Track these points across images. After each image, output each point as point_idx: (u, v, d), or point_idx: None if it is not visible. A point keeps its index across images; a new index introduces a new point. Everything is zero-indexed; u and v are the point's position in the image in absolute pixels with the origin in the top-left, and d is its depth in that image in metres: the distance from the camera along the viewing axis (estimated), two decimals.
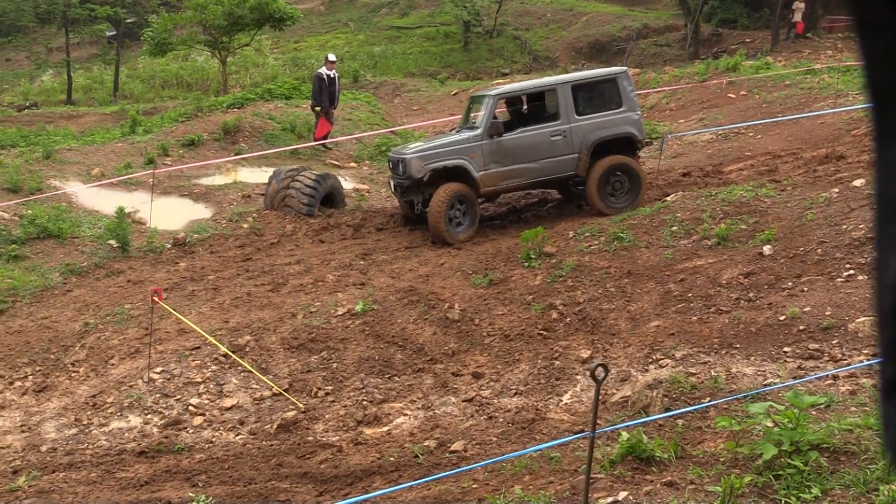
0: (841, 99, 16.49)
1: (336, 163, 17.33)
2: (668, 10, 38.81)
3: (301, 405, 7.35)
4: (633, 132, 11.80)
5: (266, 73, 33.02)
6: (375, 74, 33.12)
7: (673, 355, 7.02)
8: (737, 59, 24.00)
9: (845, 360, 6.23)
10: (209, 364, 8.02)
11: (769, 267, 8.32)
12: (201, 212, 13.78)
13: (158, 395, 7.54)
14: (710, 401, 5.81)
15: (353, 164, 17.56)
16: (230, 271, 10.89)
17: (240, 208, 13.74)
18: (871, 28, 0.78)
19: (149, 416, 7.27)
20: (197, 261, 11.55)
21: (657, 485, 4.64)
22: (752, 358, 6.62)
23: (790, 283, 7.86)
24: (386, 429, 6.88)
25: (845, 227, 8.53)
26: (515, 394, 7.16)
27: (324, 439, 6.79)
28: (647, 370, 6.85)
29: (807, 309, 7.12)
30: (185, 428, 7.12)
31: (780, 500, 4.24)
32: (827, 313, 6.95)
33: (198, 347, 8.27)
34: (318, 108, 17.53)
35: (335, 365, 8.02)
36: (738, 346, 6.92)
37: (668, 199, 11.10)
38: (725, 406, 5.63)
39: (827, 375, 5.88)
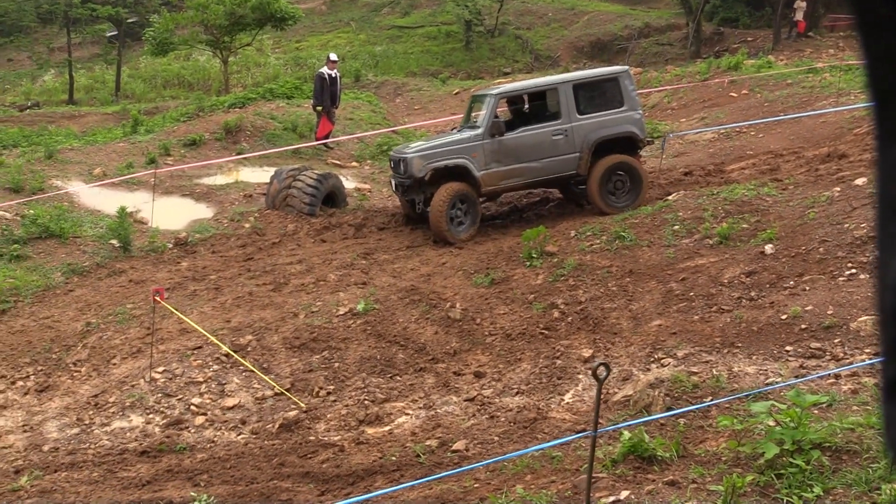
0: (843, 98, 16.47)
1: (337, 162, 17.33)
2: (670, 9, 38.81)
3: (303, 405, 7.36)
4: (635, 131, 11.79)
5: (267, 72, 33.03)
6: (377, 74, 33.13)
7: (675, 354, 7.02)
8: (738, 58, 24.00)
9: (847, 358, 6.22)
10: (211, 364, 8.02)
11: (771, 266, 8.31)
12: (203, 211, 13.78)
13: (160, 395, 7.55)
14: (711, 400, 5.81)
15: (354, 164, 17.56)
16: (232, 271, 10.89)
17: (241, 208, 13.74)
18: (871, 28, 0.78)
19: (151, 416, 7.28)
20: (198, 260, 11.55)
21: (659, 484, 4.63)
22: (754, 357, 6.62)
23: (792, 282, 7.85)
24: (388, 428, 6.88)
25: (847, 225, 8.52)
26: (517, 393, 7.16)
27: (325, 439, 6.79)
28: (648, 369, 6.84)
29: (809, 308, 7.11)
30: (187, 427, 7.13)
31: (782, 499, 4.23)
32: (829, 312, 6.94)
33: (199, 347, 8.28)
34: (319, 108, 17.53)
35: (337, 364, 8.02)
36: (739, 345, 6.91)
37: (670, 198, 11.09)
38: (727, 405, 5.62)
39: (829, 374, 5.87)
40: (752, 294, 7.89)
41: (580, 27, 37.92)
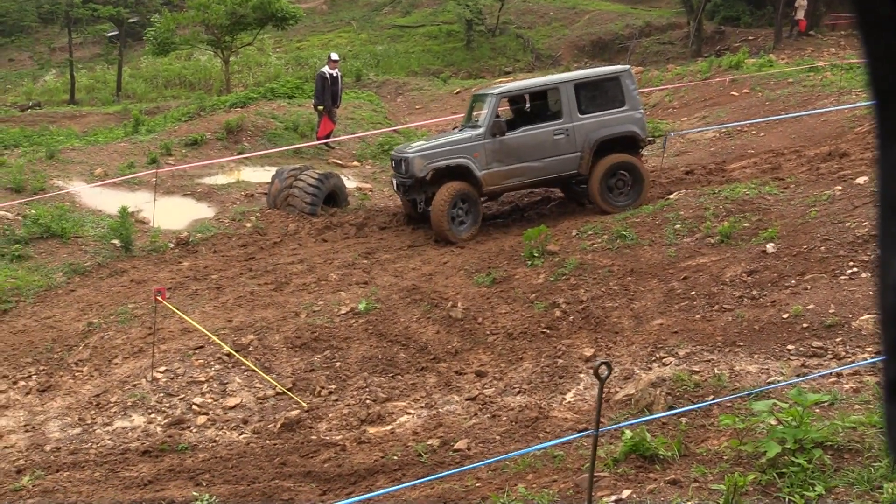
0: (844, 96, 16.47)
1: (339, 162, 17.34)
2: (671, 8, 38.79)
3: (304, 404, 7.36)
4: (636, 131, 11.79)
5: (269, 72, 33.04)
6: (378, 73, 33.14)
7: (676, 353, 7.02)
8: (740, 57, 23.99)
9: (849, 357, 6.22)
10: (212, 363, 8.03)
11: (772, 265, 8.31)
12: (204, 211, 13.79)
13: (162, 395, 7.55)
14: (713, 399, 5.81)
15: (355, 163, 17.56)
16: (233, 270, 10.90)
17: (243, 207, 13.75)
18: (872, 27, 0.78)
19: (152, 416, 7.28)
20: (200, 260, 11.56)
21: (661, 483, 4.63)
22: (756, 356, 6.62)
23: (793, 281, 7.85)
24: (389, 427, 6.88)
25: (849, 224, 8.52)
26: (519, 392, 7.16)
27: (327, 438, 6.79)
28: (650, 368, 6.84)
29: (810, 307, 7.11)
30: (189, 427, 7.13)
31: (784, 498, 4.23)
32: (830, 311, 6.94)
33: (201, 347, 8.28)
34: (320, 108, 17.53)
35: (338, 364, 8.03)
36: (741, 344, 6.91)
37: (671, 197, 11.09)
38: (729, 404, 5.62)
39: (831, 373, 5.87)
40: (754, 293, 7.88)
41: (581, 26, 37.91)
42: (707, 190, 11.01)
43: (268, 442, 6.83)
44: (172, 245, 12.10)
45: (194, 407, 7.39)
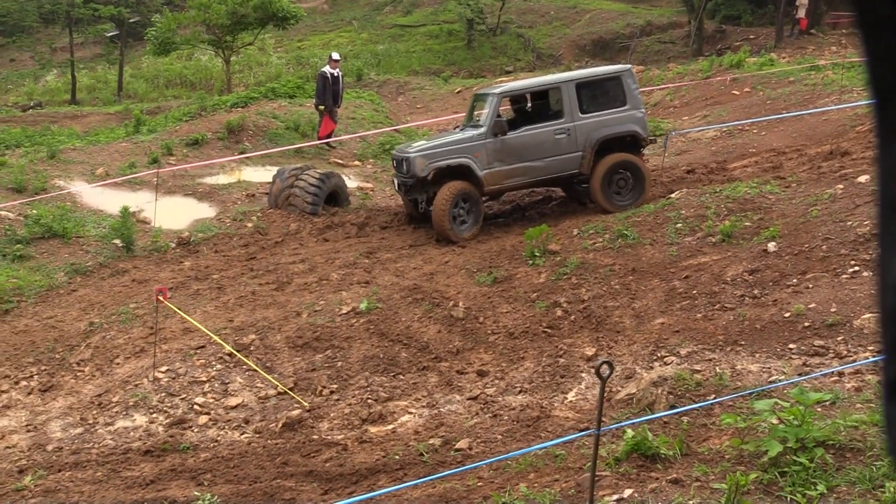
0: (845, 95, 16.45)
1: (340, 161, 17.34)
2: (672, 7, 38.76)
3: (306, 404, 7.36)
4: (638, 130, 11.79)
5: (269, 71, 33.04)
6: (379, 73, 33.13)
7: (678, 352, 7.02)
8: (741, 56, 23.97)
9: (850, 356, 6.22)
10: (214, 363, 8.03)
11: (774, 264, 8.30)
12: (205, 211, 13.79)
13: (163, 395, 7.56)
14: (715, 398, 5.81)
15: (356, 163, 17.56)
16: (234, 270, 10.91)
17: (244, 207, 13.75)
18: (872, 27, 0.78)
19: (154, 416, 7.29)
20: (201, 260, 11.57)
21: (662, 482, 4.63)
22: (757, 355, 6.62)
23: (795, 280, 7.85)
24: (391, 427, 6.88)
25: (850, 223, 8.52)
26: (520, 392, 7.16)
27: (329, 438, 6.80)
28: (651, 367, 6.84)
29: (812, 306, 7.11)
30: (191, 427, 7.13)
31: (786, 497, 4.23)
32: (832, 310, 6.94)
33: (203, 346, 8.29)
34: (321, 107, 17.54)
35: (340, 363, 8.03)
36: (743, 343, 6.91)
37: (673, 196, 11.08)
38: (731, 403, 5.62)
39: (832, 372, 5.87)
40: (755, 292, 7.88)
41: (582, 25, 37.89)
42: (708, 189, 11.01)
43: (269, 441, 6.83)
44: (174, 245, 12.11)
45: (196, 407, 7.39)
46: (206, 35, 24.13)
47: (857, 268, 7.65)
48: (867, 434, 4.61)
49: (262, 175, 15.57)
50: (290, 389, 7.59)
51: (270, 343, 8.41)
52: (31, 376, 8.28)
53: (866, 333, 6.44)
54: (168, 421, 7.20)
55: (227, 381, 7.78)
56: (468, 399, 7.19)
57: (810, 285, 7.62)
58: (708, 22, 34.23)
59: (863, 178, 10.00)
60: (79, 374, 8.27)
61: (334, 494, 5.75)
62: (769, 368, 6.32)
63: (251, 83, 30.43)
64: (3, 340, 9.09)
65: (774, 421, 4.79)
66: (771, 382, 5.92)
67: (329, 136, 17.78)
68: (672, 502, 4.38)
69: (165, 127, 18.74)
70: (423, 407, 7.19)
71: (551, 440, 5.77)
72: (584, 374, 7.17)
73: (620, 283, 8.83)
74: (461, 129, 12.44)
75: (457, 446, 6.21)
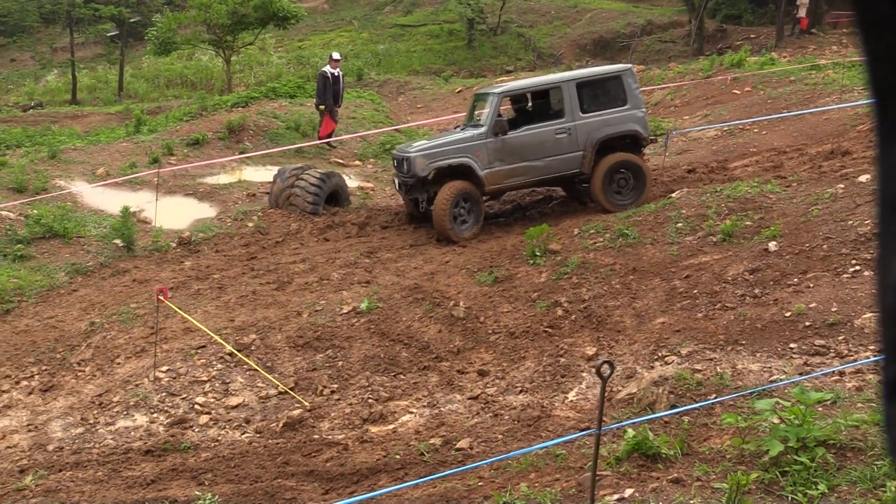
0: (846, 94, 16.44)
1: (340, 161, 17.34)
2: (673, 7, 38.73)
3: (307, 403, 7.37)
4: (638, 129, 11.78)
5: (270, 71, 33.02)
6: (379, 72, 33.12)
7: (678, 352, 7.02)
8: (741, 55, 23.95)
9: (851, 356, 6.22)
10: (215, 363, 8.04)
11: (775, 263, 8.30)
12: (206, 211, 13.79)
13: (164, 394, 7.56)
14: (715, 397, 5.80)
15: (357, 163, 17.56)
16: (235, 270, 10.91)
17: (244, 207, 13.75)
18: (872, 26, 0.77)
19: (155, 415, 7.29)
20: (202, 260, 11.57)
21: (663, 482, 4.63)
22: (758, 354, 6.61)
23: (796, 280, 7.85)
24: (391, 427, 6.88)
25: (851, 222, 8.51)
26: (521, 391, 7.16)
27: (330, 437, 6.80)
28: (652, 367, 6.84)
29: (812, 305, 7.10)
30: (191, 426, 7.14)
31: (787, 497, 4.23)
32: (833, 309, 6.94)
33: (203, 346, 8.29)
34: (322, 107, 17.53)
35: (341, 363, 8.03)
36: (743, 342, 6.91)
37: (673, 195, 11.08)
38: (731, 403, 5.62)
39: (833, 371, 5.87)
40: (756, 291, 7.88)
41: (583, 25, 37.87)
42: (709, 188, 11.00)
43: (270, 441, 6.84)
44: (174, 245, 12.11)
45: (197, 406, 7.39)
46: (206, 35, 24.12)
47: (857, 267, 7.65)
48: (868, 433, 4.61)
49: (262, 175, 15.57)
50: (291, 389, 7.60)
51: (271, 343, 8.41)
52: (32, 376, 8.28)
53: (867, 333, 6.44)
54: (169, 421, 7.20)
55: (227, 380, 7.78)
56: (469, 399, 7.20)
57: (811, 285, 7.62)
58: (709, 21, 34.22)
59: (863, 178, 9.99)
60: (79, 373, 8.27)
61: (335, 494, 5.75)
62: (770, 368, 6.32)
63: (252, 83, 30.42)
64: (4, 340, 9.10)
65: (775, 420, 4.79)
66: (772, 382, 5.92)
67: (330, 135, 17.78)
68: (673, 502, 4.38)
69: (166, 127, 18.75)
70: (424, 406, 7.19)
71: (552, 440, 5.77)
72: (584, 374, 7.17)
73: (621, 282, 8.83)
74: (462, 129, 12.44)
75: (457, 446, 6.22)
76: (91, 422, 7.27)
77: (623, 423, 5.50)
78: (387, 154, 17.08)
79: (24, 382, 8.17)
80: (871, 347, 6.20)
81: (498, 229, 11.85)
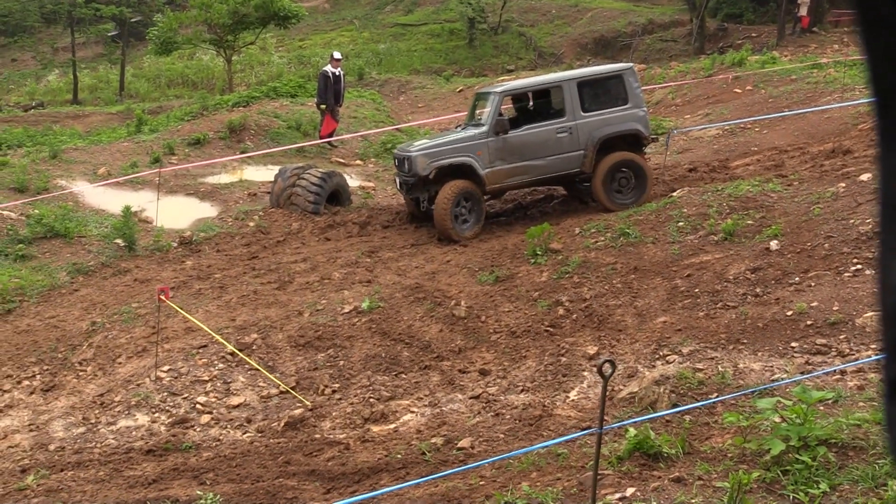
0: (847, 93, 16.43)
1: (342, 160, 17.34)
2: (674, 6, 38.73)
3: (308, 403, 7.37)
4: (639, 128, 11.78)
5: (271, 71, 33.05)
6: (380, 72, 33.12)
7: (680, 351, 7.01)
8: (742, 54, 23.95)
9: (853, 354, 6.22)
10: (216, 362, 8.04)
11: (776, 262, 8.30)
12: (207, 210, 13.80)
13: (166, 394, 7.56)
14: (717, 396, 5.80)
15: (358, 162, 17.57)
16: (236, 270, 10.91)
17: (246, 207, 13.76)
18: (872, 26, 0.77)
19: (156, 415, 7.29)
20: (203, 259, 11.57)
21: (665, 481, 4.63)
22: (760, 353, 6.61)
23: (797, 279, 7.84)
24: (393, 426, 6.88)
25: (852, 221, 8.51)
26: (522, 390, 7.16)
27: (331, 437, 6.80)
28: (654, 366, 6.84)
29: (814, 304, 7.10)
30: (193, 426, 7.14)
31: (789, 496, 4.23)
32: (834, 308, 6.93)
33: (205, 346, 8.29)
34: (323, 106, 17.54)
35: (342, 362, 8.03)
36: (745, 341, 6.91)
37: (675, 194, 11.07)
38: (733, 402, 5.62)
39: (834, 370, 5.87)
40: (758, 290, 7.88)
41: (584, 24, 37.88)
42: (710, 187, 11.00)
43: (271, 441, 6.84)
44: (176, 244, 12.11)
45: (198, 406, 7.40)
46: (207, 34, 24.14)
47: (859, 266, 7.65)
48: (869, 432, 4.60)
49: (263, 174, 15.58)
50: (293, 388, 7.60)
51: (272, 342, 8.42)
52: (34, 376, 8.28)
53: (868, 332, 6.44)
54: (170, 420, 7.21)
55: (229, 380, 7.79)
56: (470, 398, 7.20)
57: (812, 284, 7.62)
58: (710, 20, 34.22)
59: (865, 177, 9.99)
60: (81, 373, 8.28)
61: (336, 493, 5.75)
62: (771, 367, 6.32)
63: (253, 82, 30.44)
64: (5, 340, 9.10)
65: (777, 419, 4.78)
66: (773, 381, 5.92)
67: (331, 135, 17.78)
68: (674, 501, 4.38)
69: (167, 126, 18.75)
70: (426, 406, 7.19)
71: (553, 439, 5.77)
72: (586, 373, 7.17)
73: (622, 281, 8.83)
74: (463, 128, 12.44)
75: (459, 445, 6.22)
76: (92, 421, 7.28)
77: (625, 423, 5.50)
78: (388, 153, 17.08)
79: (26, 382, 8.17)
80: (873, 346, 6.20)
81: (499, 228, 11.85)
